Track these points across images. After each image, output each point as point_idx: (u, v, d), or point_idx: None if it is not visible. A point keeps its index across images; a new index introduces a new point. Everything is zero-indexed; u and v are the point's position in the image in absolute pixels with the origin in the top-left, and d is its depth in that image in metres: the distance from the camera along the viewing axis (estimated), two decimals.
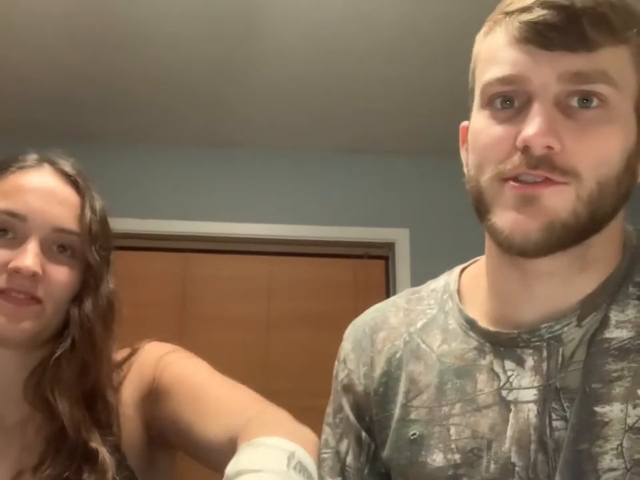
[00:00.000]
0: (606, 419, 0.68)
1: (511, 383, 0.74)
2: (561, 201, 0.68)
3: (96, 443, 0.91)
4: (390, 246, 3.16)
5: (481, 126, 0.73)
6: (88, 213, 0.96)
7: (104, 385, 0.95)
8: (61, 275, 0.93)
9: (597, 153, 0.68)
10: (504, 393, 0.74)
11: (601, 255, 0.74)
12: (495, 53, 0.73)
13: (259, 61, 2.59)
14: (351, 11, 2.32)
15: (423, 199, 3.20)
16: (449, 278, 0.87)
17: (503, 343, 0.76)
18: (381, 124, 2.99)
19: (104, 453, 0.90)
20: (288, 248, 3.20)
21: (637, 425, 0.67)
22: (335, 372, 0.92)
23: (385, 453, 0.82)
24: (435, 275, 0.92)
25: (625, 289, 0.73)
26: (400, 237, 3.15)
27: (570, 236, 0.69)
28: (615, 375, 0.69)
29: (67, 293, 0.94)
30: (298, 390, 2.78)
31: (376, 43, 2.45)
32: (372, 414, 0.85)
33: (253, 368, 2.90)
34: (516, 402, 0.73)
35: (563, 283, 0.74)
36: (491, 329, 0.78)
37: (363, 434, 0.85)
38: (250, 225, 3.14)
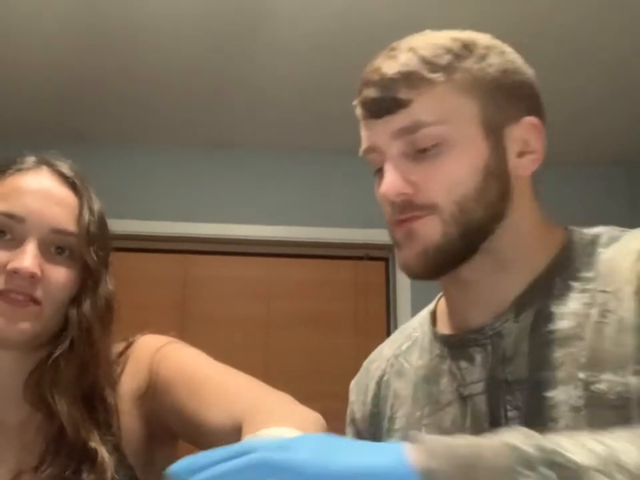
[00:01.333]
0: (553, 402, 0.76)
1: (465, 380, 0.84)
2: (429, 229, 0.80)
3: (95, 443, 0.91)
4: (390, 248, 3.15)
5: (376, 187, 0.86)
6: (86, 214, 0.97)
7: (103, 385, 0.96)
8: (60, 275, 0.94)
9: (445, 181, 0.80)
10: (461, 389, 0.84)
11: (519, 256, 0.83)
12: (361, 133, 0.87)
13: (259, 62, 2.59)
14: (353, 9, 2.33)
15: None
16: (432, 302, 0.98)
17: (456, 345, 0.86)
18: None
19: (103, 453, 0.90)
20: (288, 249, 3.20)
21: (576, 405, 0.74)
22: None
23: None
24: None
25: (564, 283, 0.81)
26: None
27: (450, 254, 0.81)
28: (559, 361, 0.77)
29: (66, 293, 0.94)
30: (298, 391, 2.76)
31: (376, 43, 2.45)
32: (369, 435, 0.95)
33: (253, 369, 2.86)
34: (470, 396, 0.83)
35: (492, 285, 0.84)
36: (447, 333, 0.89)
37: None
38: (250, 226, 3.14)
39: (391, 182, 0.81)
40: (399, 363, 0.95)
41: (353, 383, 1.04)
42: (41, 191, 0.95)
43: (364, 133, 0.86)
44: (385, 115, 0.82)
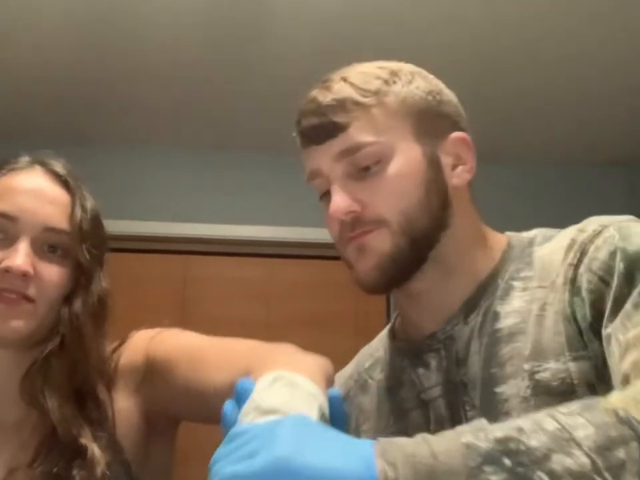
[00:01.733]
0: (504, 397, 0.79)
1: (424, 385, 0.88)
2: (380, 242, 0.84)
3: (86, 440, 0.91)
4: None
5: (325, 211, 0.89)
6: (78, 212, 0.97)
7: (95, 383, 0.96)
8: (53, 273, 0.94)
9: (389, 195, 0.84)
10: (421, 395, 0.88)
11: (463, 262, 0.88)
12: (303, 162, 0.91)
13: (259, 63, 2.60)
14: (352, 14, 2.33)
15: None
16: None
17: (413, 354, 0.90)
18: None
19: (93, 449, 0.91)
20: (288, 250, 3.20)
21: (525, 395, 0.78)
22: None
23: None
24: None
25: (507, 284, 0.86)
26: None
27: (402, 264, 0.84)
28: (506, 357, 0.81)
29: (59, 291, 0.95)
30: None
31: (376, 46, 2.45)
32: None
33: None
34: (430, 401, 0.87)
35: (441, 292, 0.88)
36: (401, 343, 0.94)
37: None
38: (250, 227, 3.14)
39: (339, 201, 0.85)
40: (362, 379, 0.99)
41: None
42: (34, 190, 0.96)
43: (306, 162, 0.90)
44: (324, 140, 0.86)
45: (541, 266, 0.84)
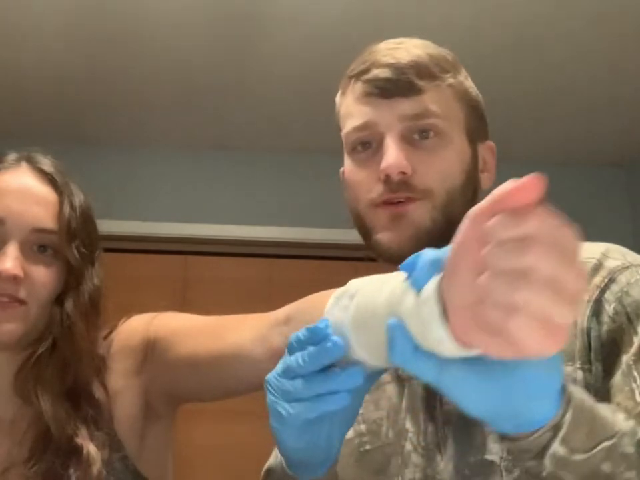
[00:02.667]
0: None
1: None
2: (421, 214, 0.85)
3: (81, 438, 0.92)
4: None
5: (349, 169, 0.91)
6: (66, 210, 0.96)
7: (88, 381, 0.96)
8: (43, 275, 0.94)
9: (442, 171, 0.86)
10: (399, 372, 0.88)
11: None
12: (349, 109, 0.91)
13: (259, 64, 2.59)
14: (351, 14, 2.33)
15: None
16: None
17: None
18: None
19: (89, 448, 0.91)
20: (289, 250, 3.20)
21: None
22: None
23: None
24: None
25: None
26: None
27: (434, 239, 0.83)
28: None
29: (50, 292, 0.95)
30: None
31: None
32: None
33: None
34: (408, 379, 0.87)
35: None
36: None
37: None
38: (250, 227, 3.14)
39: (396, 157, 0.84)
40: None
41: None
42: (20, 191, 0.95)
43: (362, 108, 0.89)
44: (394, 96, 0.86)
45: None
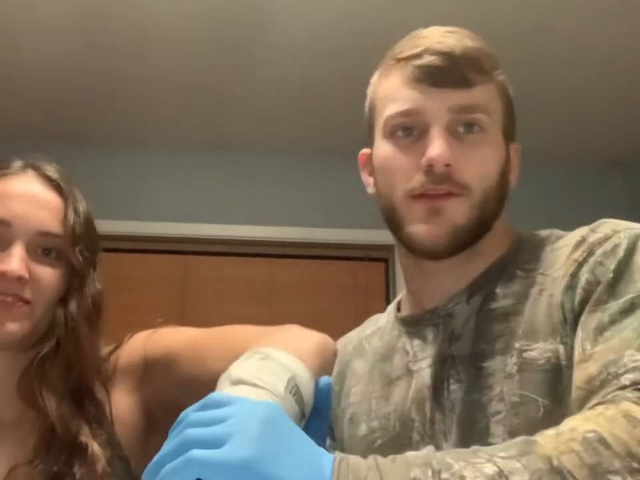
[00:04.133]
0: (489, 371, 0.81)
1: (416, 356, 0.89)
2: (459, 210, 0.84)
3: (85, 437, 0.93)
4: (390, 248, 3.15)
5: (386, 153, 0.89)
6: (71, 216, 0.99)
7: (91, 382, 0.98)
8: (47, 276, 0.96)
9: (481, 169, 0.85)
10: (410, 365, 0.89)
11: (487, 248, 0.89)
12: (393, 92, 0.89)
13: (259, 64, 2.60)
14: (350, 17, 2.33)
15: None
16: None
17: (411, 325, 0.92)
18: None
19: (93, 446, 0.93)
20: (288, 250, 3.20)
21: (511, 372, 0.79)
22: None
23: (335, 432, 0.98)
24: None
25: (511, 271, 0.87)
26: None
27: (468, 237, 0.85)
28: (497, 334, 0.82)
29: (54, 293, 0.97)
30: None
31: (378, 43, 2.45)
32: (334, 409, 0.99)
33: None
34: (417, 370, 0.88)
35: (454, 274, 0.89)
36: (403, 314, 0.95)
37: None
38: (250, 227, 3.14)
39: (445, 149, 0.83)
40: (361, 345, 1.01)
41: None
42: (27, 195, 0.98)
43: (410, 93, 0.86)
44: (445, 86, 0.85)
45: (549, 259, 0.85)
